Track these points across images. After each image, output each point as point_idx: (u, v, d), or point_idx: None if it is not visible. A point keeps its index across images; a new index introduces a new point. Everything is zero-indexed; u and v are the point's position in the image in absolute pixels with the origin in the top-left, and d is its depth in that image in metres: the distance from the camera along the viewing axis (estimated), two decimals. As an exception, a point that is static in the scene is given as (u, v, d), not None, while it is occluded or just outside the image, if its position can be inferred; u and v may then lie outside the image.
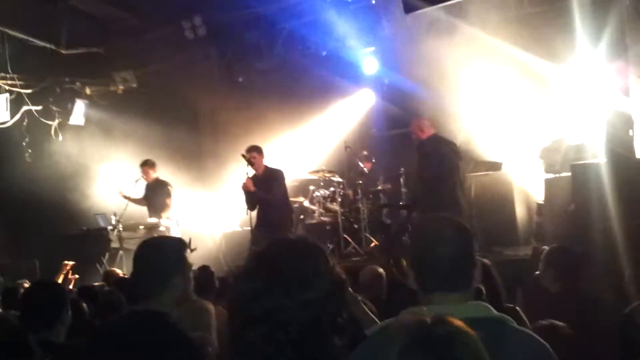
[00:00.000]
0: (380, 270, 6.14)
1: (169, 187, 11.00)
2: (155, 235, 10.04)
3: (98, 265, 10.42)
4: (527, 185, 10.47)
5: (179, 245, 3.34)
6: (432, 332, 1.57)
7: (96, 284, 7.72)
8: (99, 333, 3.59)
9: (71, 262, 7.95)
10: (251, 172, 9.53)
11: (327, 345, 1.78)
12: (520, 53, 9.99)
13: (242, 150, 9.73)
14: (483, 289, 4.13)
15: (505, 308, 4.39)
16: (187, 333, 3.14)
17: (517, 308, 4.51)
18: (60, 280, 7.65)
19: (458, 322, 1.62)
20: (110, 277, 8.00)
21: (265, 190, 9.45)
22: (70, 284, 7.68)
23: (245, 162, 9.50)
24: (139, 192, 10.97)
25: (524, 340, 2.30)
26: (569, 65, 9.63)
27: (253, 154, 9.59)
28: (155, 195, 10.99)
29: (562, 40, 9.44)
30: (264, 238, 9.49)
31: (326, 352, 1.78)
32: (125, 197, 10.91)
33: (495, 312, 2.39)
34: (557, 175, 8.93)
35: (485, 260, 4.79)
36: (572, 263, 5.09)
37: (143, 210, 11.17)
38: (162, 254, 3.23)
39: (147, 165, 11.01)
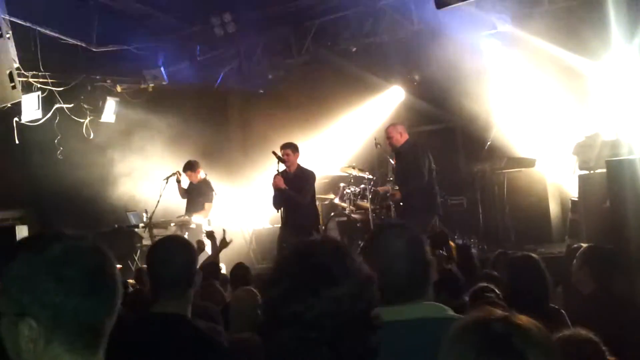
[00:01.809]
0: None
1: (213, 193, 10.93)
2: (187, 233, 10.09)
3: (130, 263, 10.50)
4: (561, 182, 10.38)
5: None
6: (490, 329, 1.58)
7: (130, 280, 7.78)
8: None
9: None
10: (281, 169, 9.48)
11: (362, 342, 1.78)
12: (554, 48, 9.88)
13: (273, 146, 9.69)
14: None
15: (550, 309, 4.30)
16: (214, 336, 3.11)
17: (562, 311, 4.40)
18: None
19: (524, 320, 1.62)
20: (142, 274, 8.04)
21: (295, 189, 9.34)
22: None
23: (276, 160, 9.46)
24: (171, 189, 10.97)
25: None
26: (603, 60, 9.51)
27: (287, 151, 9.48)
28: (197, 195, 10.97)
29: (596, 35, 9.31)
30: (292, 236, 9.52)
31: (362, 350, 1.78)
32: (178, 182, 10.95)
33: (451, 312, 2.44)
34: (592, 171, 8.83)
35: (534, 255, 4.70)
36: (608, 263, 5.00)
37: (175, 207, 11.20)
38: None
39: (189, 169, 10.98)
